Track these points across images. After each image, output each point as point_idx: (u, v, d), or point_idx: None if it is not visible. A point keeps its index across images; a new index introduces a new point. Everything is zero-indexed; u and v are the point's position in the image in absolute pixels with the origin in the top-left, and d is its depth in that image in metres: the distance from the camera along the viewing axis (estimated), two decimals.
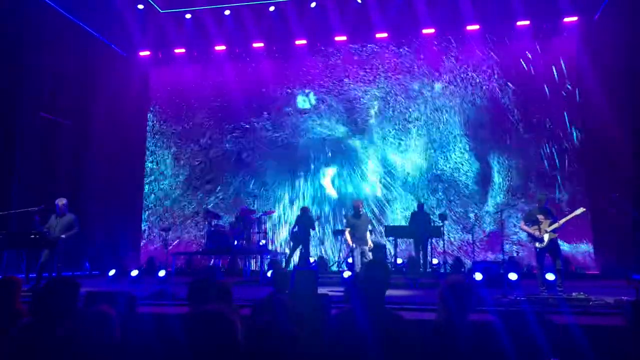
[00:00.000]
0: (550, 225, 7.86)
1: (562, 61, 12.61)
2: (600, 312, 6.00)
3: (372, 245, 9.19)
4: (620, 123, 11.13)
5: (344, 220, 10.58)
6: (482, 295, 6.63)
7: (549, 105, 12.54)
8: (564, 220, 7.96)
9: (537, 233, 7.92)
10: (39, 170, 11.79)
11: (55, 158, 12.47)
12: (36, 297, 2.82)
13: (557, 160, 12.32)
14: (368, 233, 9.32)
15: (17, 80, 11.21)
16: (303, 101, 14.04)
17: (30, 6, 11.05)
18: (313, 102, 13.97)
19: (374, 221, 12.66)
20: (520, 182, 12.47)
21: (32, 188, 11.09)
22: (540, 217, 7.95)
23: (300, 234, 11.50)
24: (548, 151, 12.39)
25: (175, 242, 13.42)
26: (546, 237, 7.84)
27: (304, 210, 11.81)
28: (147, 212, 14.47)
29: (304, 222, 11.55)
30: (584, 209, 8.05)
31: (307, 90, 14.04)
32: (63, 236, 8.49)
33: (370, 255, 9.19)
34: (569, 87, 12.50)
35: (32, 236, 8.48)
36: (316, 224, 11.99)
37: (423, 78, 13.37)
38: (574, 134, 12.33)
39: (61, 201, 8.76)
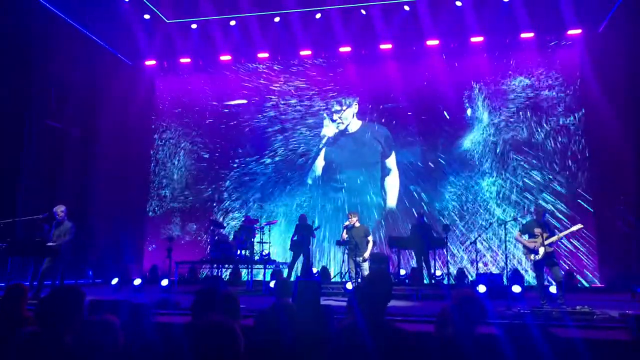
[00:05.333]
0: (547, 239, 7.83)
1: (565, 73, 12.62)
2: (605, 326, 5.94)
3: (365, 257, 9.22)
4: (625, 135, 11.14)
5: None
6: (487, 307, 6.60)
7: (553, 117, 12.54)
8: (561, 235, 7.97)
9: (532, 245, 7.89)
10: (45, 178, 11.85)
11: (61, 166, 12.54)
12: (41, 305, 2.82)
13: (560, 172, 12.29)
14: (369, 245, 9.34)
15: (24, 88, 11.31)
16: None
17: (38, 16, 11.16)
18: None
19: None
20: (522, 193, 12.43)
21: (38, 196, 11.13)
22: (538, 230, 7.93)
23: (300, 243, 11.39)
24: (551, 164, 12.37)
25: (179, 251, 13.41)
26: (541, 250, 7.81)
27: (302, 219, 11.74)
28: (151, 221, 14.49)
29: (303, 231, 11.44)
30: (582, 226, 8.08)
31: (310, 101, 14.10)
32: (51, 244, 8.49)
33: (365, 265, 9.21)
34: (572, 98, 12.50)
35: (36, 244, 8.53)
36: (316, 232, 11.92)
37: (430, 88, 13.39)
38: (578, 146, 12.32)
39: (59, 208, 8.78)
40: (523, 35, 12.69)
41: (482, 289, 8.87)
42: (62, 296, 2.82)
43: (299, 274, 11.27)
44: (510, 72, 12.98)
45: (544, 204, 11.73)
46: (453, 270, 11.86)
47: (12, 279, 8.23)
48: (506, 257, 9.32)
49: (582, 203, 12.00)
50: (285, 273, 11.56)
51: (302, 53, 13.98)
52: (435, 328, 3.01)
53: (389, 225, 12.99)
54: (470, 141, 13.00)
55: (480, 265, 11.56)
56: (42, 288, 8.43)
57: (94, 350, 2.48)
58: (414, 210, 12.67)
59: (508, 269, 10.87)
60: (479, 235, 11.44)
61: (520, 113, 12.75)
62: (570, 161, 12.31)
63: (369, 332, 2.69)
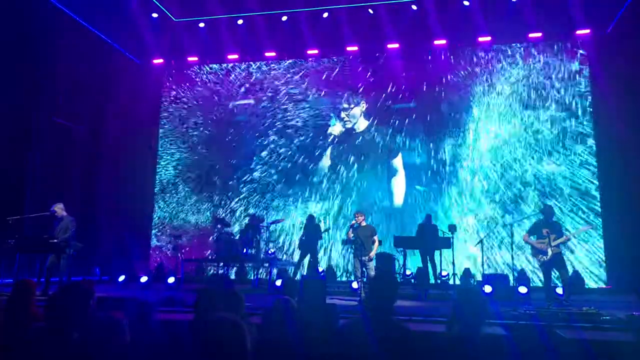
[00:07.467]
0: (555, 239, 7.80)
1: (573, 73, 12.57)
2: (611, 327, 5.92)
3: (371, 256, 9.22)
4: (633, 135, 11.05)
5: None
6: (492, 308, 6.59)
7: (560, 117, 12.48)
8: (569, 235, 7.93)
9: (541, 246, 7.86)
10: (52, 175, 11.92)
11: (68, 163, 12.61)
12: (51, 301, 2.84)
13: (567, 172, 12.23)
14: (375, 244, 9.34)
15: (32, 86, 11.39)
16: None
17: (46, 14, 11.22)
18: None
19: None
20: (530, 193, 12.38)
21: (45, 193, 11.20)
22: (545, 230, 7.91)
23: (308, 243, 11.43)
24: (559, 164, 12.31)
25: (185, 249, 13.47)
26: (550, 251, 7.79)
27: (311, 219, 11.77)
28: (157, 218, 14.55)
29: (311, 231, 11.49)
30: (590, 226, 8.04)
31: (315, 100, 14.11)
32: (55, 240, 8.61)
33: (371, 265, 9.21)
34: (580, 99, 12.43)
35: (43, 241, 8.60)
36: (325, 234, 11.92)
37: (437, 88, 13.37)
38: (585, 146, 12.25)
39: (57, 206, 8.97)
40: (531, 35, 12.64)
41: (488, 289, 8.85)
42: (72, 293, 2.83)
43: (305, 273, 11.30)
44: (517, 71, 12.93)
45: (551, 204, 11.68)
46: (459, 271, 11.82)
47: (20, 276, 8.30)
48: (512, 258, 9.28)
49: (590, 203, 11.93)
50: (291, 272, 11.60)
51: (310, 52, 13.98)
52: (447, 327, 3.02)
53: (395, 225, 12.95)
54: (477, 141, 12.96)
55: (486, 265, 11.53)
56: (49, 284, 8.50)
57: (100, 347, 2.50)
58: (421, 210, 12.67)
59: (515, 270, 10.83)
60: (486, 235, 11.40)
61: (528, 112, 12.71)
62: (577, 161, 12.24)
63: (375, 331, 2.70)
